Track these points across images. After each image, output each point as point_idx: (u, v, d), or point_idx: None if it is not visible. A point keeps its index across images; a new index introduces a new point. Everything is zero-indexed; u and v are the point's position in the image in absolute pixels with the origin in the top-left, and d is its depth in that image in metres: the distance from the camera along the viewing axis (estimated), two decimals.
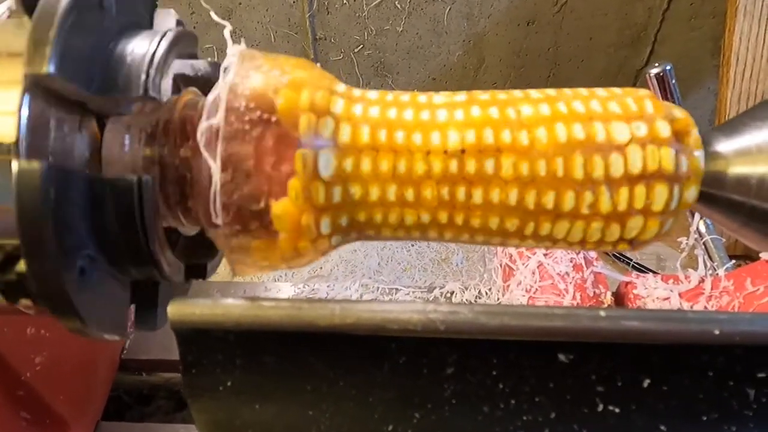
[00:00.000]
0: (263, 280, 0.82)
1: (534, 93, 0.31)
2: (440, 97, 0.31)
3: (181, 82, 0.33)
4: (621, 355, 0.27)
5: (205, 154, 0.27)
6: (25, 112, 0.24)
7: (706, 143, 0.31)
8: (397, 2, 1.41)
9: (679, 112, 0.30)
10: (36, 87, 0.25)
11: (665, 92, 0.62)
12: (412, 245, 1.24)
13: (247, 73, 0.29)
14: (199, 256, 0.36)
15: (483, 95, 0.31)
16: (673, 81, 0.63)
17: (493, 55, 1.50)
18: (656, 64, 0.63)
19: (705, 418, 0.28)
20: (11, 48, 0.26)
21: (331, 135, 0.28)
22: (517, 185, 0.28)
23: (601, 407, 0.28)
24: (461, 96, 0.31)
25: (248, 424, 0.30)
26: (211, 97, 0.28)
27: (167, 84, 0.29)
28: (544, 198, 0.28)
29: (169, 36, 0.29)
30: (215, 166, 0.27)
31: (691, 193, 0.30)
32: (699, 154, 0.30)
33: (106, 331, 0.29)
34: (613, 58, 1.50)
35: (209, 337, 0.28)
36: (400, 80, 1.54)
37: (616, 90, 0.32)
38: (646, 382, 0.28)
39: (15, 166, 0.24)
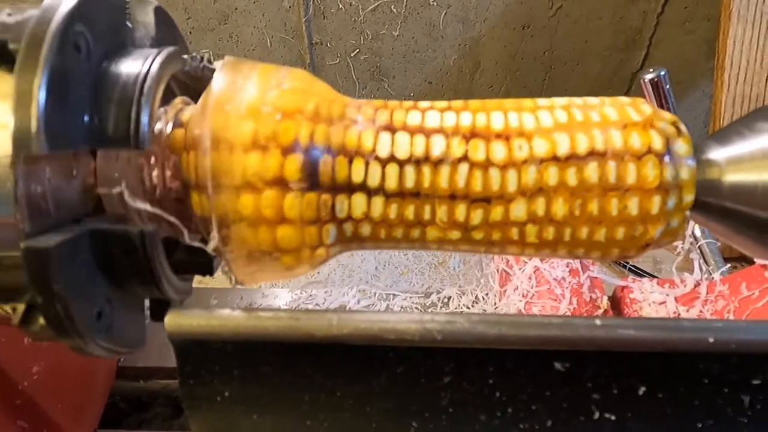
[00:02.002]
0: (260, 287, 0.82)
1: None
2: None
3: (176, 85, 0.33)
4: (617, 363, 0.28)
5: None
6: (21, 191, 0.24)
7: (699, 152, 0.31)
8: (393, 7, 1.41)
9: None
10: (28, 163, 0.25)
11: (660, 97, 0.63)
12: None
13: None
14: (197, 266, 0.36)
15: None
16: (668, 86, 0.63)
17: (489, 59, 1.51)
18: (651, 70, 0.63)
19: (700, 425, 0.28)
20: None
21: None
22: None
23: (597, 415, 0.28)
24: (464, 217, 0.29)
25: None
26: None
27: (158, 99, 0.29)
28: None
29: (159, 58, 0.29)
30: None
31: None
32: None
33: (127, 349, 0.31)
34: (609, 62, 1.50)
35: (207, 348, 0.28)
36: (396, 84, 1.54)
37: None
38: (642, 390, 0.28)
39: (22, 245, 0.24)
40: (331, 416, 0.29)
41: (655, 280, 0.66)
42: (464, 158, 0.28)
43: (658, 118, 0.30)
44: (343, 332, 0.27)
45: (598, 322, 0.27)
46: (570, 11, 1.43)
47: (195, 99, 0.33)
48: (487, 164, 0.28)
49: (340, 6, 1.41)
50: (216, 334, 0.27)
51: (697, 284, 0.62)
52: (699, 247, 0.68)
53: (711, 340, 0.26)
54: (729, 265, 0.68)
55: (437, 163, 0.28)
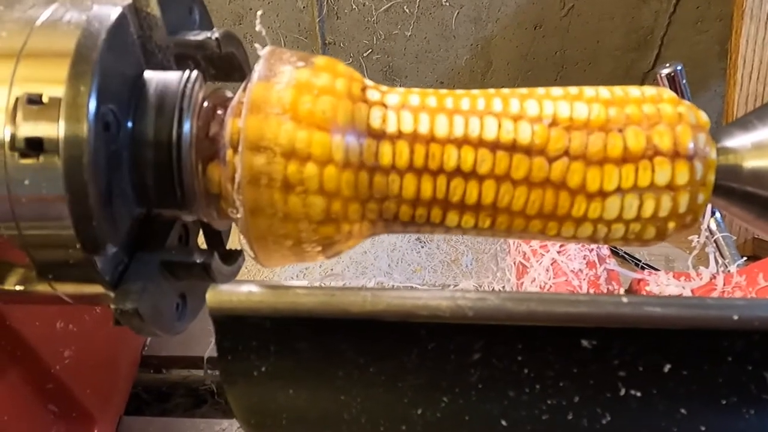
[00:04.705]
0: (280, 279, 0.83)
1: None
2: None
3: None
4: (642, 341, 0.28)
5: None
6: None
7: (720, 139, 0.32)
8: (405, 7, 1.42)
9: None
10: None
11: (676, 92, 0.63)
12: (422, 247, 1.25)
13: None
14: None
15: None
16: (684, 81, 0.64)
17: (501, 59, 1.52)
18: (667, 65, 0.64)
19: (724, 402, 0.29)
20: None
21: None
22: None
23: (623, 391, 0.29)
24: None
25: (282, 409, 0.31)
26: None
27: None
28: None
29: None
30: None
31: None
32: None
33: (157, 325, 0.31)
34: (620, 62, 1.51)
35: (245, 324, 0.29)
36: (408, 84, 1.55)
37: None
38: (667, 367, 0.28)
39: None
40: (364, 392, 0.30)
41: (671, 273, 0.66)
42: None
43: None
44: (377, 308, 0.28)
45: (624, 299, 0.28)
46: (582, 11, 1.43)
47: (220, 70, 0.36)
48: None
49: (354, 6, 1.43)
50: (255, 309, 0.28)
51: (714, 276, 0.62)
52: (714, 240, 0.69)
53: (735, 317, 0.27)
54: (745, 258, 0.69)
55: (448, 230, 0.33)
